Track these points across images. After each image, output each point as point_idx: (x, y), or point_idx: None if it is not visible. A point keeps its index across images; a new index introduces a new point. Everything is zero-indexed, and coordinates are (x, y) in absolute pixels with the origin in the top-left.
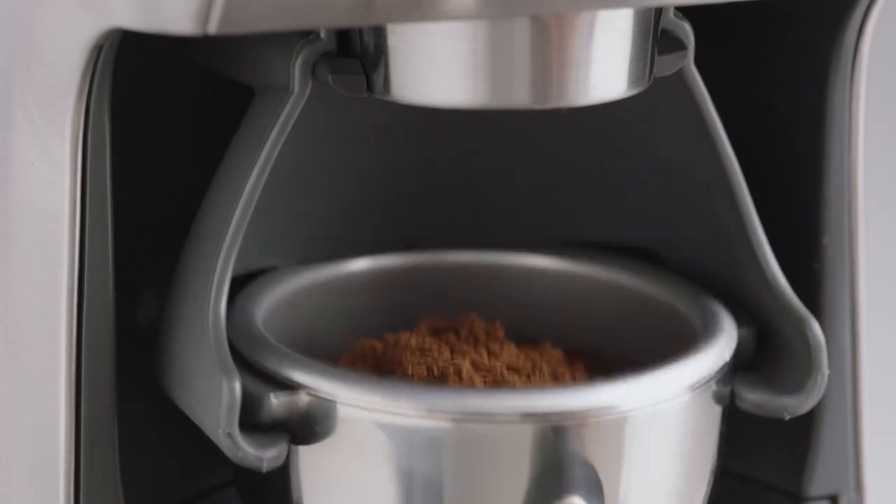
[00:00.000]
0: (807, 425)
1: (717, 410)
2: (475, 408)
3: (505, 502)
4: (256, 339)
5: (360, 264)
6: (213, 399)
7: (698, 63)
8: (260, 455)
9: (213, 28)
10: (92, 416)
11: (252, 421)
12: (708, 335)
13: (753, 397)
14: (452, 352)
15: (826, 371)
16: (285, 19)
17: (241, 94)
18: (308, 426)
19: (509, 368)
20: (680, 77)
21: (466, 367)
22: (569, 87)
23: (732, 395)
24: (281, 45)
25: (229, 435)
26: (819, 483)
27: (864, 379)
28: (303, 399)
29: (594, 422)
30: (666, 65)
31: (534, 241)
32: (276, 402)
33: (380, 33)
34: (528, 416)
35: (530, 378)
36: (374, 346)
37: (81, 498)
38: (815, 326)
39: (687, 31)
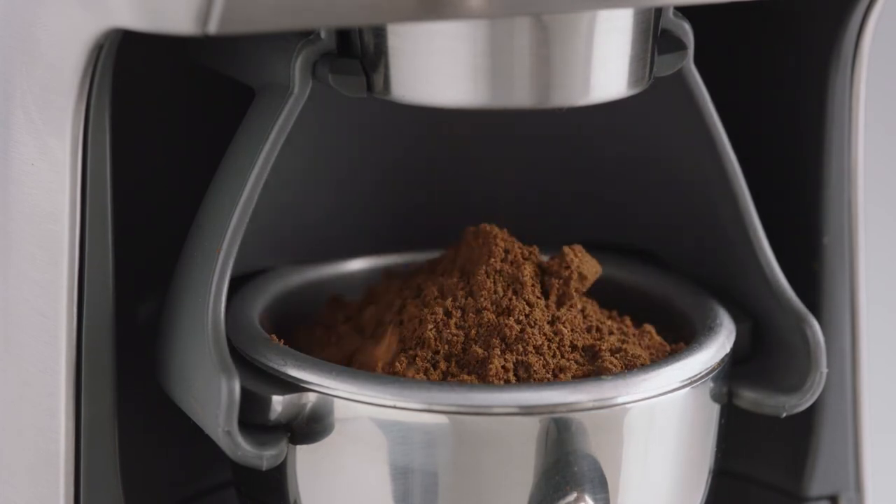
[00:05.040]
0: (807, 425)
1: (715, 407)
2: (475, 402)
3: (507, 498)
4: (257, 338)
5: (356, 264)
6: (213, 398)
7: (698, 63)
8: (259, 453)
9: (213, 28)
10: (92, 416)
11: (255, 421)
12: (706, 332)
13: (751, 395)
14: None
15: (824, 369)
16: (285, 19)
17: (241, 94)
18: (309, 425)
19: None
20: (680, 77)
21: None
22: (569, 86)
23: (731, 393)
24: (281, 45)
25: (229, 433)
26: (819, 483)
27: (864, 378)
28: (306, 398)
29: (595, 414)
30: (666, 65)
31: (534, 242)
32: (279, 403)
33: (380, 33)
34: (528, 410)
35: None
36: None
37: (81, 498)
38: (814, 325)
39: (687, 31)
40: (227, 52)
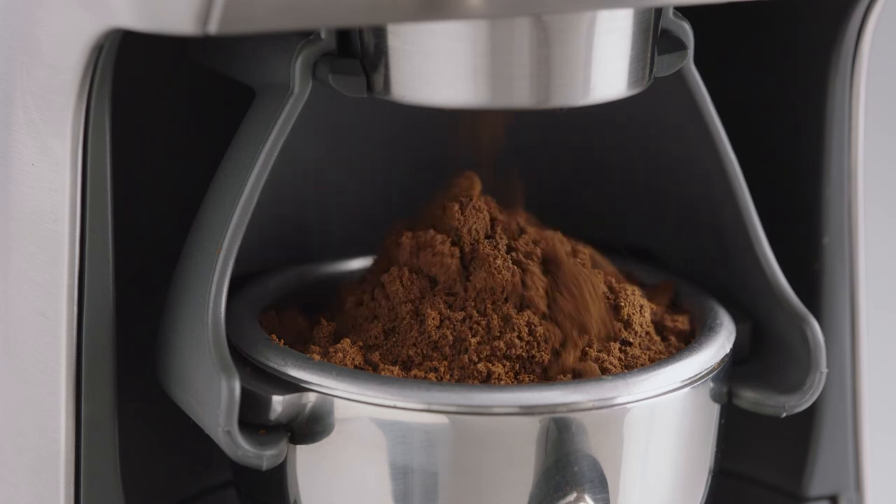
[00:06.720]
0: (807, 425)
1: (715, 407)
2: (475, 402)
3: (507, 498)
4: (257, 338)
5: (356, 264)
6: (213, 398)
7: (698, 63)
8: (260, 453)
9: (213, 28)
10: (92, 415)
11: (255, 421)
12: (706, 332)
13: (751, 395)
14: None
15: (824, 369)
16: (285, 19)
17: (241, 94)
18: (309, 425)
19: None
20: (680, 77)
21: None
22: (569, 87)
23: (731, 393)
24: (281, 45)
25: (229, 433)
26: (819, 483)
27: (864, 378)
28: (306, 398)
29: (594, 414)
30: (666, 65)
31: None
32: (279, 403)
33: (380, 33)
34: (528, 410)
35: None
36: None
37: (81, 498)
38: (814, 325)
39: (687, 31)
40: (227, 52)
